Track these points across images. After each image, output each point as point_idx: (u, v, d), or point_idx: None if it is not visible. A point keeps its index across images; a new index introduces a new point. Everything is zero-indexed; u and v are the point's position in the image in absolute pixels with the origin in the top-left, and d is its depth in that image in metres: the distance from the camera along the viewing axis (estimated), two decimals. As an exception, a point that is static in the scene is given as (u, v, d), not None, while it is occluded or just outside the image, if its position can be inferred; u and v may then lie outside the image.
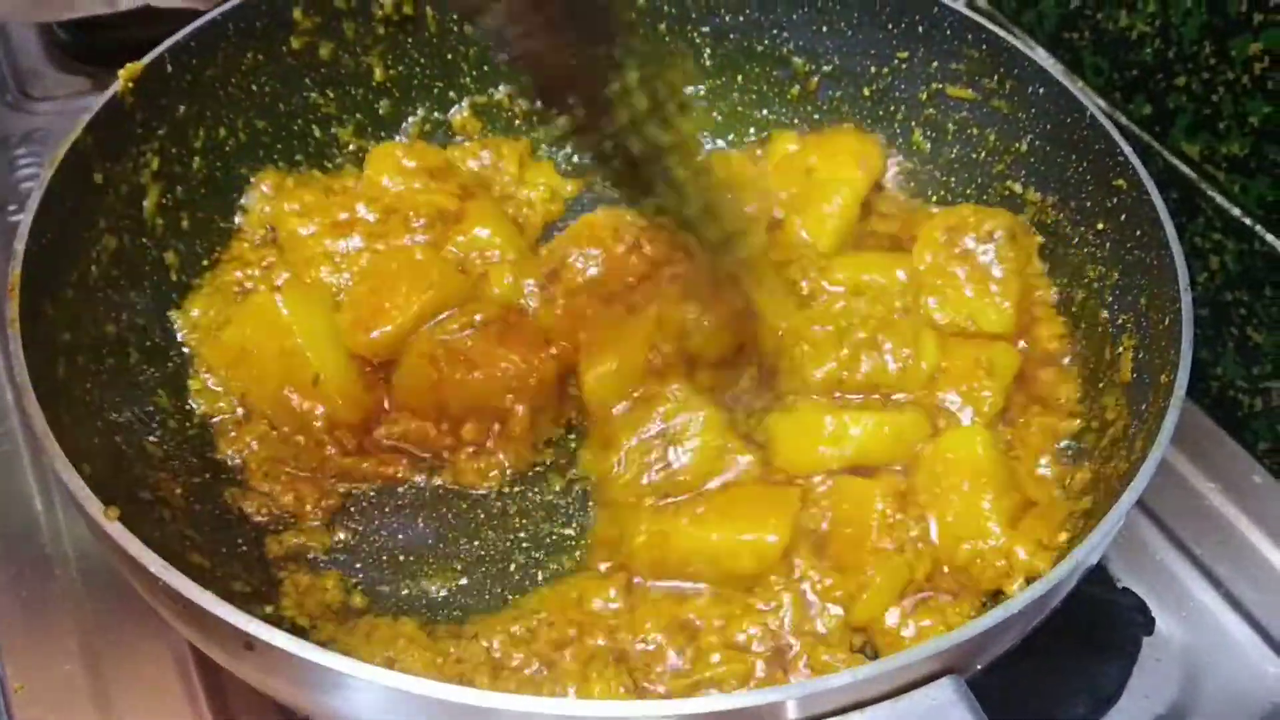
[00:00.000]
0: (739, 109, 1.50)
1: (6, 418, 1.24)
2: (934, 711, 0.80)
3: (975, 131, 1.37)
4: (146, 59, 1.18)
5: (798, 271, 1.28)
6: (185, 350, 1.20)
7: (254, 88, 1.31)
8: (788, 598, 1.05)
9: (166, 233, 1.23)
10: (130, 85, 1.16)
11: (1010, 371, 1.20)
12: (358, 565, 1.10)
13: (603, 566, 1.10)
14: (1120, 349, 1.15)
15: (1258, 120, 1.18)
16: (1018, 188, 1.33)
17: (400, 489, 1.16)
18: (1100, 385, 1.17)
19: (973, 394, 1.18)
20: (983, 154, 1.37)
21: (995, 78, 1.32)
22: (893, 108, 1.43)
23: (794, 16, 1.43)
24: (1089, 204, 1.24)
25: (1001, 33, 1.30)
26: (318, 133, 1.38)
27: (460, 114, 1.47)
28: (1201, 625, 1.15)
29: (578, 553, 1.12)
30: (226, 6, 1.25)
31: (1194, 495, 1.25)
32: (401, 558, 1.11)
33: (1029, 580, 1.03)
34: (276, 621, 0.92)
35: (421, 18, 1.40)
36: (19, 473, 1.20)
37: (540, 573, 1.11)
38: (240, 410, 1.17)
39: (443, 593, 1.09)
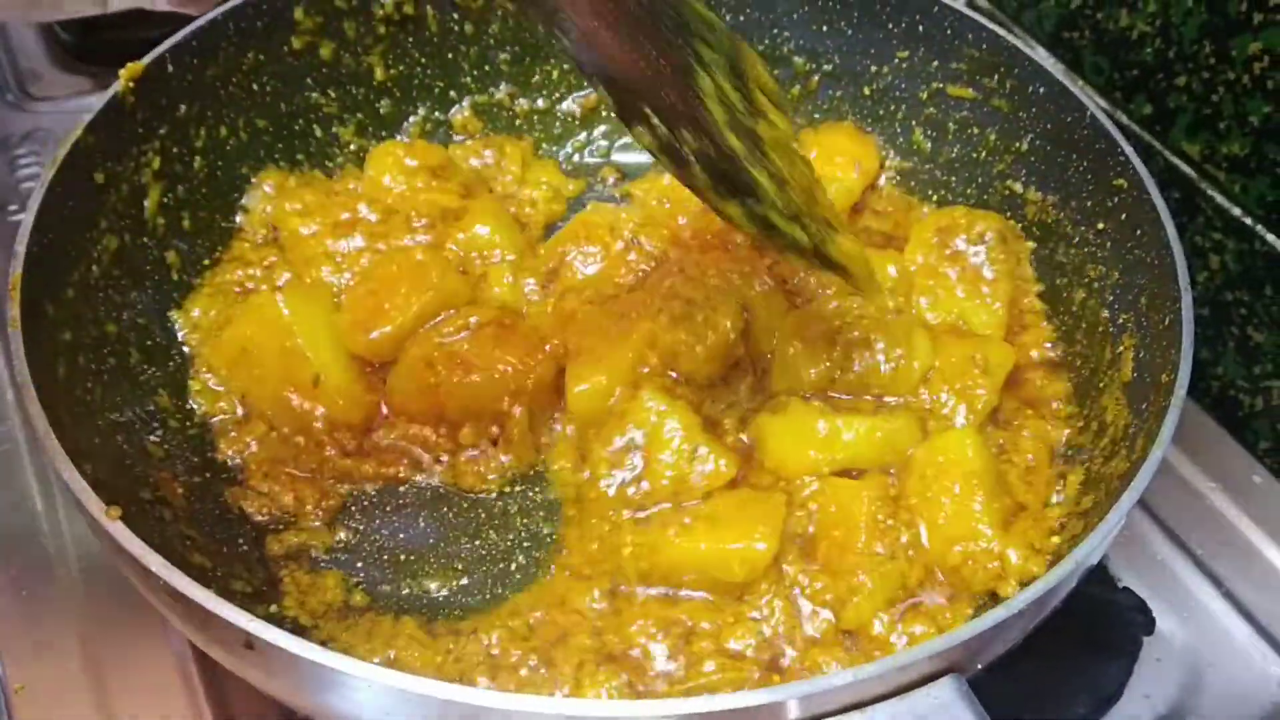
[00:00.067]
0: (740, 109, 1.50)
1: (7, 418, 1.24)
2: (935, 711, 0.80)
3: (976, 131, 1.37)
4: (147, 59, 1.18)
5: (788, 270, 1.28)
6: (186, 350, 1.20)
7: (255, 87, 1.31)
8: (779, 604, 1.04)
9: (167, 232, 1.23)
10: (131, 85, 1.16)
11: (1004, 369, 1.20)
12: (359, 564, 1.10)
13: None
14: (1121, 348, 1.15)
15: (1258, 120, 1.18)
16: (1018, 187, 1.33)
17: (401, 488, 1.16)
18: (1100, 385, 1.17)
19: (966, 391, 1.18)
20: (983, 153, 1.37)
21: (996, 77, 1.32)
22: (893, 107, 1.43)
23: (794, 16, 1.43)
24: (1089, 203, 1.24)
25: (1002, 32, 1.30)
26: (319, 132, 1.38)
27: (461, 113, 1.47)
28: (1202, 625, 1.15)
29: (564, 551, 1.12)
30: (228, 6, 1.25)
31: (1195, 495, 1.25)
32: (402, 557, 1.11)
33: (1021, 583, 1.03)
34: (277, 621, 0.92)
35: (422, 17, 1.40)
36: (19, 473, 1.20)
37: (541, 573, 1.11)
38: (240, 410, 1.17)
39: (444, 592, 1.09)
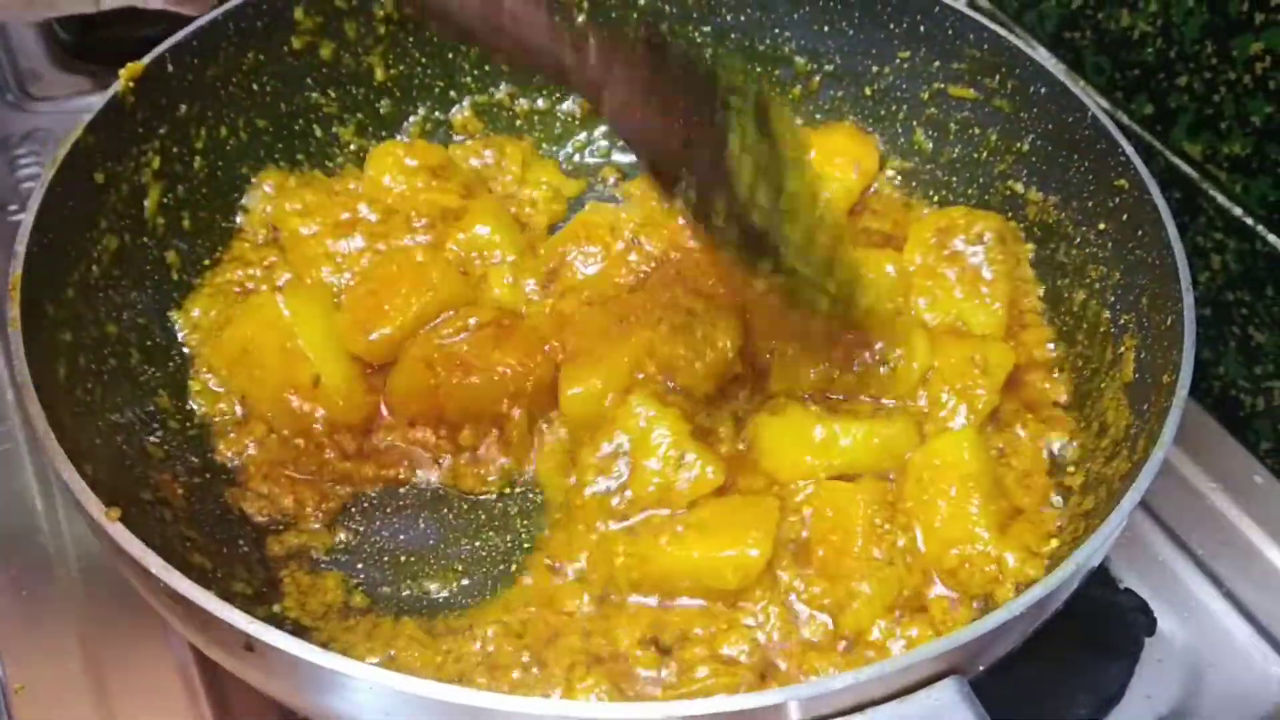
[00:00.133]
0: (740, 109, 1.50)
1: (7, 418, 1.24)
2: (937, 712, 0.80)
3: (977, 131, 1.37)
4: (147, 58, 1.18)
5: None
6: (186, 350, 1.20)
7: (255, 87, 1.31)
8: (774, 610, 1.04)
9: (168, 232, 1.23)
10: (131, 85, 1.16)
11: (1004, 369, 1.20)
12: (359, 566, 1.10)
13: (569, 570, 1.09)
14: (1122, 349, 1.15)
15: (1259, 120, 1.18)
16: (1019, 187, 1.33)
17: (401, 490, 1.16)
18: (1101, 386, 1.17)
19: (966, 392, 1.18)
20: (984, 153, 1.37)
21: (997, 77, 1.32)
22: (894, 107, 1.43)
23: (795, 16, 1.43)
24: (1091, 204, 1.24)
25: (1003, 32, 1.30)
26: (319, 132, 1.38)
27: (461, 113, 1.47)
28: (1203, 625, 1.15)
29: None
30: (227, 6, 1.25)
31: (1196, 495, 1.24)
32: (403, 558, 1.11)
33: (1019, 587, 1.03)
34: (277, 622, 0.92)
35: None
36: (19, 473, 1.19)
37: (534, 574, 1.10)
38: (240, 411, 1.17)
39: (444, 593, 1.09)
